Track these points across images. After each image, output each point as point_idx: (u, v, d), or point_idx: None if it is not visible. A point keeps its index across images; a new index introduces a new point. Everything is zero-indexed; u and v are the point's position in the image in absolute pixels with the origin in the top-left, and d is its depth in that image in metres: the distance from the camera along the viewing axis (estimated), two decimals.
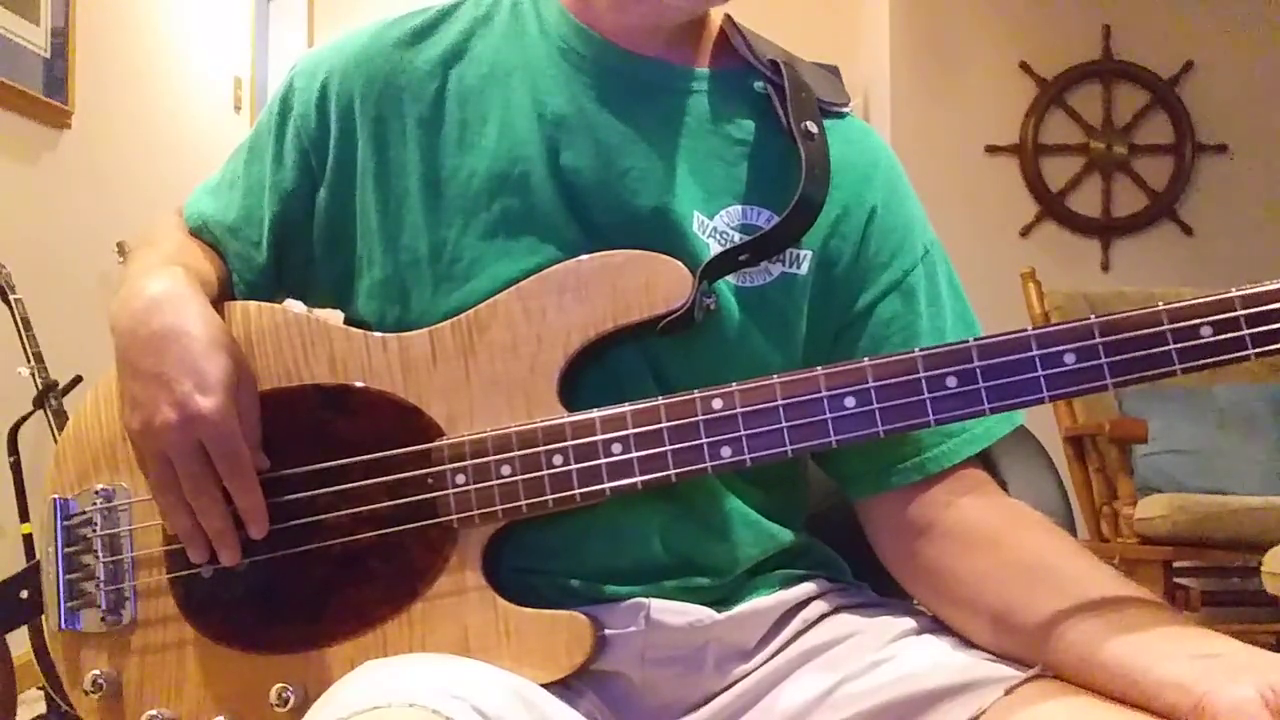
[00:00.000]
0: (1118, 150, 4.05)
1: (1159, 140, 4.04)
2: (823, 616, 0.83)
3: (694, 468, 0.74)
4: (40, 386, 2.40)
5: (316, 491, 0.78)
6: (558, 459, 0.75)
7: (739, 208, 0.82)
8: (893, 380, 0.72)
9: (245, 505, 0.75)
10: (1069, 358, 0.70)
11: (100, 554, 0.80)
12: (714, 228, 0.81)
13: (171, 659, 0.79)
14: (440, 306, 0.80)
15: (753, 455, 0.73)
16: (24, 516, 2.32)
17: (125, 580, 0.80)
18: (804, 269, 0.82)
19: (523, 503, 0.75)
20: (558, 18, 0.85)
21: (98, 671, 0.79)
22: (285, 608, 0.78)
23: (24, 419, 2.39)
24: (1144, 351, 0.68)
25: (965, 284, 0.88)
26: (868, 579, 0.90)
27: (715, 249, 0.80)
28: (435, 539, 0.76)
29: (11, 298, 2.45)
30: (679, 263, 0.77)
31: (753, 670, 0.80)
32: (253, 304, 0.83)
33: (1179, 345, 0.68)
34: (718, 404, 0.74)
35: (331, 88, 0.85)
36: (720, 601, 0.80)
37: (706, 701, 0.79)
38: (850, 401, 0.73)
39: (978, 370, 0.71)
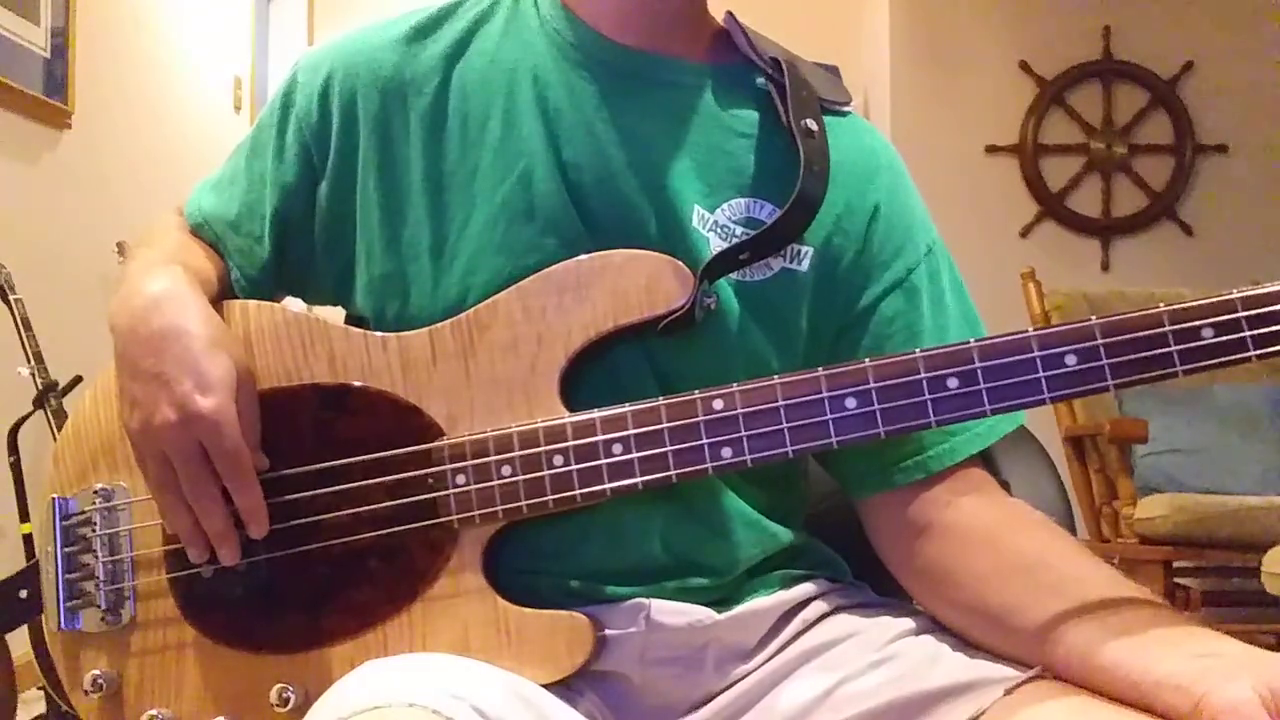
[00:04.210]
0: (1118, 150, 4.05)
1: (1159, 140, 4.05)
2: (823, 616, 0.83)
3: (695, 468, 0.74)
4: (40, 386, 2.40)
5: (316, 491, 0.78)
6: (558, 459, 0.75)
7: (743, 201, 0.82)
8: (894, 381, 0.72)
9: (245, 505, 0.75)
10: (1070, 359, 0.70)
11: (100, 553, 0.80)
12: (715, 221, 0.81)
13: (171, 659, 0.79)
14: (441, 301, 0.80)
15: (753, 456, 0.73)
16: (24, 516, 2.32)
17: (125, 580, 0.80)
18: (804, 265, 0.82)
19: (523, 503, 0.75)
20: (556, 13, 0.85)
21: (97, 671, 0.79)
22: (285, 608, 0.78)
23: (24, 419, 2.39)
24: (1146, 353, 0.68)
25: (965, 284, 0.88)
26: (868, 579, 0.90)
27: (715, 243, 0.80)
28: (436, 539, 0.76)
29: (11, 298, 2.44)
30: (680, 263, 0.77)
31: (753, 670, 0.80)
32: (251, 303, 0.83)
33: (1181, 346, 0.68)
34: (718, 404, 0.74)
35: (334, 83, 0.85)
36: (720, 602, 0.80)
37: (706, 702, 0.79)
38: (851, 402, 0.73)
39: (979, 371, 0.71)
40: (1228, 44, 3.99)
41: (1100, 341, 0.69)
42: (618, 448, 0.74)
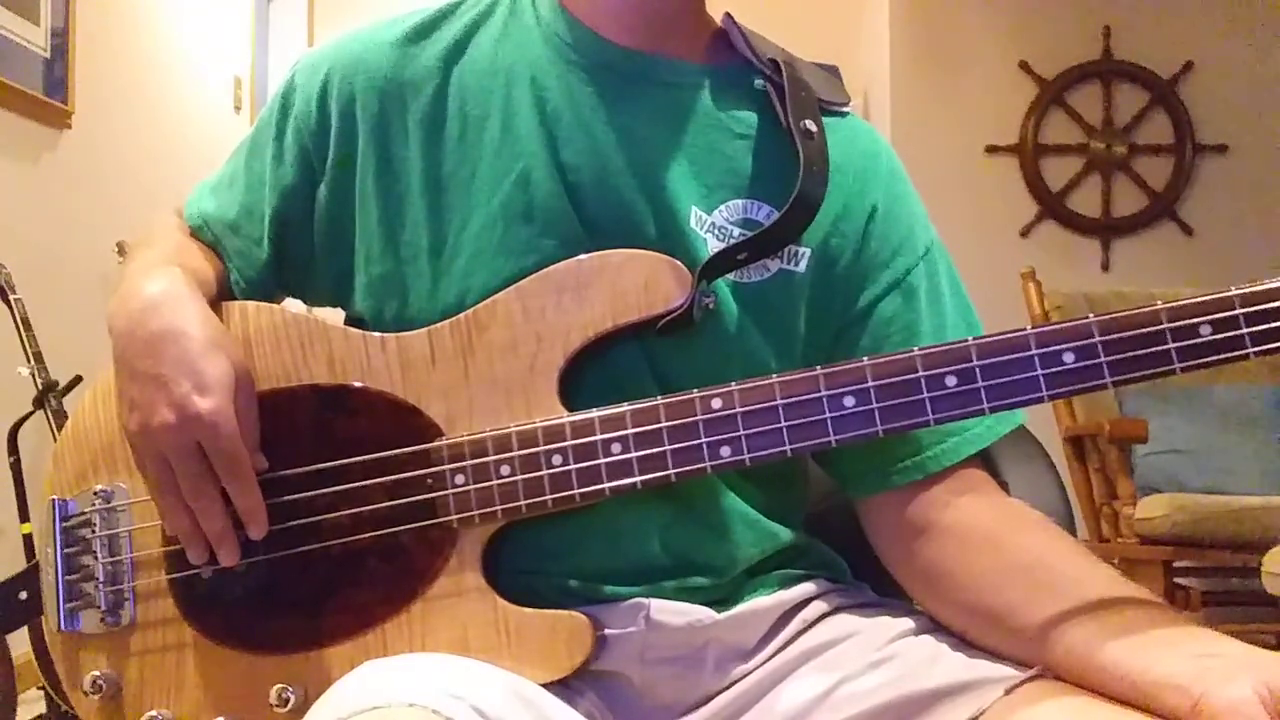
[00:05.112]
0: (1118, 150, 4.05)
1: (1159, 140, 4.04)
2: (822, 616, 0.83)
3: (693, 467, 0.74)
4: (40, 386, 2.40)
5: (316, 492, 0.78)
6: (557, 459, 0.75)
7: (740, 202, 0.82)
8: (892, 380, 0.72)
9: (244, 506, 0.75)
10: (1068, 357, 0.70)
11: (99, 555, 0.80)
12: (712, 223, 0.81)
13: (171, 660, 0.79)
14: (439, 302, 0.80)
15: (752, 455, 0.73)
16: (24, 516, 2.32)
17: (125, 581, 0.80)
18: (802, 266, 0.82)
19: (522, 503, 0.75)
20: (554, 14, 0.86)
21: (97, 672, 0.79)
22: (285, 608, 0.78)
23: (24, 419, 2.39)
24: (1143, 350, 0.68)
25: (965, 284, 0.88)
26: (868, 579, 0.90)
27: (713, 244, 0.80)
28: (435, 539, 0.76)
29: (11, 298, 2.44)
30: (678, 262, 0.77)
31: (752, 670, 0.80)
32: (250, 304, 0.83)
33: (1178, 344, 0.68)
34: (717, 404, 0.74)
35: (333, 85, 0.85)
36: (720, 601, 0.80)
37: (706, 701, 0.79)
38: (849, 401, 0.73)
39: (977, 369, 0.71)
40: (1228, 44, 3.99)
41: (1098, 339, 0.69)
42: (616, 447, 0.74)
